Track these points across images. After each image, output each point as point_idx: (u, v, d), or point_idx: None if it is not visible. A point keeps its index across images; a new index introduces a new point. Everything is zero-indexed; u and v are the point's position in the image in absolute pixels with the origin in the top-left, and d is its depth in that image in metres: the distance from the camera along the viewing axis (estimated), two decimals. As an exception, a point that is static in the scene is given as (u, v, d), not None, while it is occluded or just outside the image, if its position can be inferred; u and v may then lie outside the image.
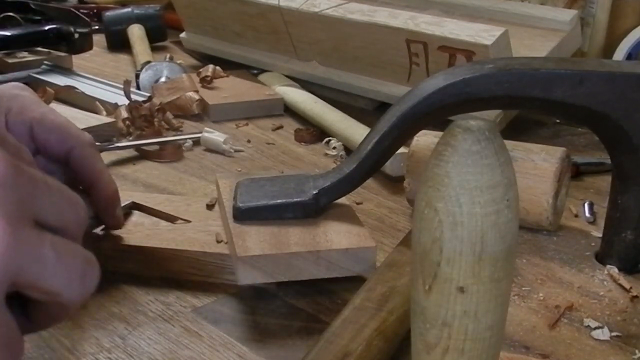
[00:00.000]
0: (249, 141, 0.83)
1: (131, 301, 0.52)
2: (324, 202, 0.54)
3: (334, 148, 0.79)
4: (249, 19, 1.00)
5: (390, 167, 0.70)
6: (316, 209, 0.54)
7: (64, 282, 0.31)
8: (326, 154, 0.79)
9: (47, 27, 1.03)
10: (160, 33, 1.24)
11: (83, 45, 1.05)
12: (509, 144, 0.60)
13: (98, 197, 0.51)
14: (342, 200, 0.56)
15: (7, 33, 1.01)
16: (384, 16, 0.83)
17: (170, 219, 0.57)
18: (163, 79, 0.95)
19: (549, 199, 0.59)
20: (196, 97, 0.90)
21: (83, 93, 0.92)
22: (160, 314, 0.50)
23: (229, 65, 1.03)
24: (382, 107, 0.89)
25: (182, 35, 1.16)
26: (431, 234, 0.31)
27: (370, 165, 0.55)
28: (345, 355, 0.40)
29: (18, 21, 1.08)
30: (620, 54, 0.95)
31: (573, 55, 0.87)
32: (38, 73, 1.01)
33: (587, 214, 0.65)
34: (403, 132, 0.54)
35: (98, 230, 0.54)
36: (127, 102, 0.87)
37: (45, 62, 1.04)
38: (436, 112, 0.52)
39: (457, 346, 0.32)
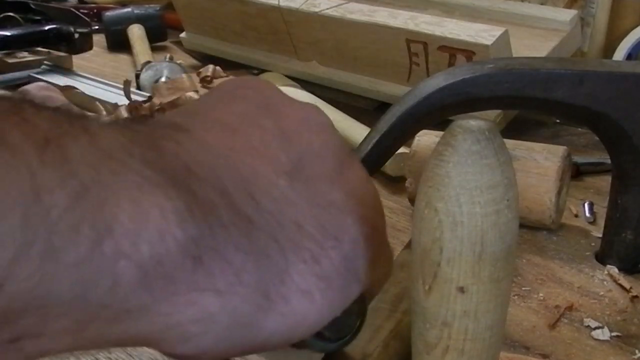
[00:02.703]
0: (249, 141, 0.83)
1: (131, 301, 0.51)
2: (324, 202, 0.54)
3: (334, 148, 0.79)
4: (249, 19, 1.00)
5: (390, 167, 0.70)
6: (316, 209, 0.54)
7: None
8: (326, 154, 0.79)
9: (47, 27, 1.03)
10: (160, 33, 1.23)
11: (83, 45, 1.05)
12: (511, 143, 0.60)
13: None
14: (342, 200, 0.56)
15: (7, 33, 1.01)
16: (384, 16, 0.83)
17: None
18: (163, 79, 0.95)
19: (552, 197, 0.59)
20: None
21: (83, 93, 0.92)
22: (160, 314, 0.50)
23: (229, 65, 1.03)
24: (382, 107, 0.89)
25: (182, 35, 1.16)
26: (431, 234, 0.31)
27: (370, 166, 0.55)
28: (363, 357, 0.40)
29: (18, 21, 1.08)
30: (620, 54, 0.94)
31: (573, 55, 0.87)
32: (38, 73, 1.01)
33: (587, 214, 0.65)
34: (403, 132, 0.54)
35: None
36: (127, 102, 0.87)
37: (45, 62, 1.04)
38: (436, 112, 0.52)
39: (457, 346, 0.32)
